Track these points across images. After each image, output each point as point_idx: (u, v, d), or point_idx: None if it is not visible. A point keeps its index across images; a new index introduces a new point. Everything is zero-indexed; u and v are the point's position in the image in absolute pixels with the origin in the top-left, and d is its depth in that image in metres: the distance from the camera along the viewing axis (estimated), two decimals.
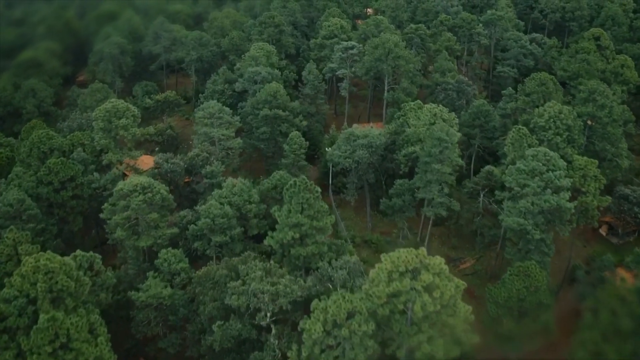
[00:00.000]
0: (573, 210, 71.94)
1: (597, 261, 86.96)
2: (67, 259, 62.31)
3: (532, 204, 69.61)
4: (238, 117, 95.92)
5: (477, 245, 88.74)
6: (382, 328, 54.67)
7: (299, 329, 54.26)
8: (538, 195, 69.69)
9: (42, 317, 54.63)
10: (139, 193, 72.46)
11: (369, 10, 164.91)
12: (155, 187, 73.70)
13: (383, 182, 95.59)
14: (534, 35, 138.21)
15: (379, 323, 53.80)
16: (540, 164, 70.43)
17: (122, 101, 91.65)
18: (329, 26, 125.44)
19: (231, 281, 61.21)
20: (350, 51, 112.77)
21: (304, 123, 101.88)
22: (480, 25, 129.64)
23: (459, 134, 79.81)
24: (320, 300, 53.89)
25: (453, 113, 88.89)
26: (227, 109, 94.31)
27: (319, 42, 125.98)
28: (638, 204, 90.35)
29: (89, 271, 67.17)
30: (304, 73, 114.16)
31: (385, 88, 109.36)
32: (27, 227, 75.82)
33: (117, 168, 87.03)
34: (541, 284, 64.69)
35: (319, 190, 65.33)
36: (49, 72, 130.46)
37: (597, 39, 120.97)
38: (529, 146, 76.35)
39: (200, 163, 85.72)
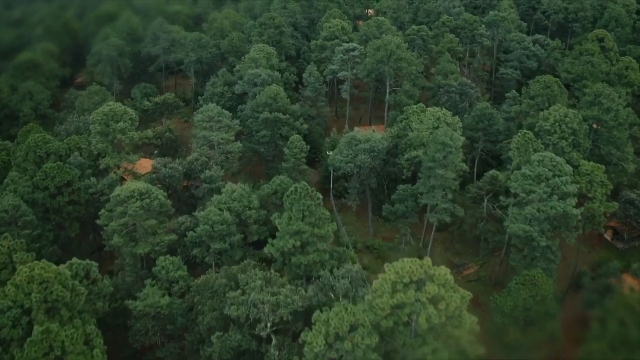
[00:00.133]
0: (579, 217, 70.55)
1: (603, 267, 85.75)
2: (62, 268, 60.87)
3: (538, 210, 68.19)
4: (237, 121, 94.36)
5: (481, 251, 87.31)
6: (385, 339, 53.25)
7: (299, 340, 52.85)
8: (544, 201, 68.28)
9: (36, 329, 53.20)
10: (137, 199, 71.03)
11: (370, 11, 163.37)
12: (153, 193, 72.23)
13: (385, 187, 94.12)
14: (537, 36, 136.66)
15: (382, 335, 52.36)
16: (547, 170, 69.02)
17: (120, 104, 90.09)
18: (329, 27, 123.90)
19: (230, 291, 59.78)
20: (352, 53, 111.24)
21: (305, 126, 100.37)
22: (483, 26, 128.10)
23: (462, 138, 78.33)
24: (321, 311, 52.46)
25: (456, 117, 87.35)
26: (226, 112, 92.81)
27: (320, 44, 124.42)
28: None
29: (85, 279, 65.79)
30: (304, 75, 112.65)
31: (387, 90, 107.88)
32: (22, 234, 74.40)
33: (114, 172, 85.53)
34: (548, 293, 63.25)
35: (320, 197, 63.88)
36: (46, 74, 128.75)
37: (600, 40, 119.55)
38: (535, 151, 74.91)
39: (199, 167, 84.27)
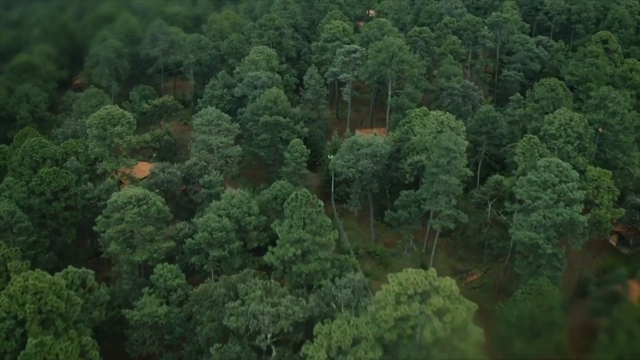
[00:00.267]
0: (586, 224, 69.08)
1: (608, 274, 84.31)
2: (57, 277, 59.52)
3: (544, 217, 66.66)
4: (237, 124, 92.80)
5: (485, 257, 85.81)
6: (389, 353, 51.70)
7: (300, 353, 51.40)
8: (550, 208, 66.75)
9: (30, 341, 51.83)
10: (134, 205, 69.57)
11: (371, 12, 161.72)
12: (150, 199, 70.77)
13: (387, 191, 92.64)
14: (540, 37, 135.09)
15: (385, 348, 50.83)
16: (553, 176, 67.49)
17: (117, 107, 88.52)
18: (330, 29, 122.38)
19: (230, 301, 58.35)
20: (353, 55, 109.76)
21: (305, 129, 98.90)
22: (486, 27, 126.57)
23: (466, 143, 76.82)
24: (323, 323, 51.00)
25: (460, 121, 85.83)
26: (225, 115, 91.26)
27: (321, 45, 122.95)
28: None
29: (81, 288, 64.44)
30: (305, 77, 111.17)
31: (389, 93, 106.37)
32: (17, 241, 73.11)
33: (111, 177, 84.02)
34: (554, 302, 61.74)
35: (322, 204, 62.38)
36: (43, 76, 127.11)
37: (604, 42, 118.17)
38: (541, 156, 73.37)
39: (198, 172, 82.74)
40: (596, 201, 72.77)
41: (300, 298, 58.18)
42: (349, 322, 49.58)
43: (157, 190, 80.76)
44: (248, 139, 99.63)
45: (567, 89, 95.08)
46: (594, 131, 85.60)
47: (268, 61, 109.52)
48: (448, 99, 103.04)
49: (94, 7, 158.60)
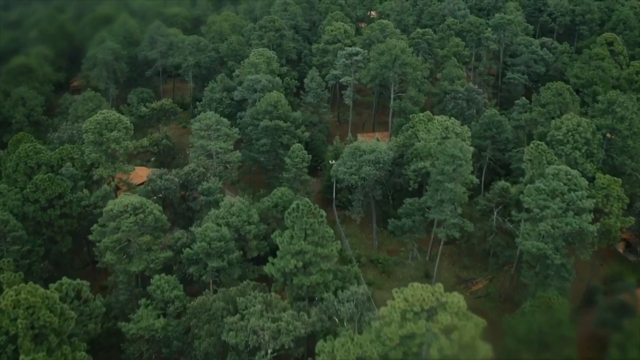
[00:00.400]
0: (595, 234, 67.16)
1: (616, 282, 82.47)
2: (51, 290, 57.88)
3: (553, 227, 64.71)
4: (237, 129, 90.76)
5: (490, 266, 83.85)
6: None
7: None
8: (559, 217, 64.79)
9: (22, 359, 50.04)
10: (130, 214, 67.59)
11: (372, 13, 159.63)
12: (147, 208, 68.78)
13: (390, 197, 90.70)
14: (544, 39, 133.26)
15: None
16: (562, 184, 65.52)
17: (114, 112, 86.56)
18: (332, 31, 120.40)
19: (229, 315, 56.43)
20: (355, 57, 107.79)
21: (307, 134, 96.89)
22: (489, 29, 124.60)
23: (472, 149, 74.81)
24: (325, 340, 49.13)
25: (465, 126, 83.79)
26: (225, 120, 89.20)
27: (322, 47, 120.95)
28: None
29: (76, 300, 62.55)
30: (306, 80, 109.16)
31: (392, 96, 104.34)
32: (11, 250, 71.16)
33: (108, 184, 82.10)
34: (564, 316, 59.76)
35: (324, 214, 60.38)
36: (40, 79, 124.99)
37: (610, 44, 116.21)
38: (549, 163, 71.39)
39: (197, 179, 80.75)
40: (605, 210, 70.86)
41: (301, 312, 56.23)
42: (352, 339, 47.75)
43: (155, 198, 78.80)
44: (248, 144, 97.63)
45: (574, 93, 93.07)
46: (601, 136, 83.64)
47: (268, 64, 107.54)
48: (452, 102, 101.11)
49: (93, 8, 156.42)
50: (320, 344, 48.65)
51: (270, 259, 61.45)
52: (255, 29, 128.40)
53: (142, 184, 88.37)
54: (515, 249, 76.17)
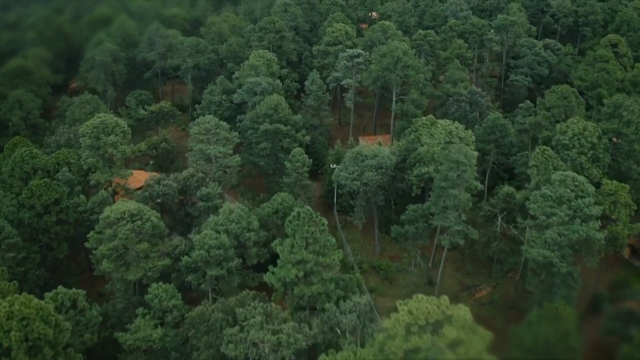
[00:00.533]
0: (603, 241, 65.74)
1: (622, 289, 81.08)
2: (46, 300, 56.62)
3: (560, 234, 63.27)
4: (236, 133, 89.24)
5: (494, 272, 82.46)
6: None
7: None
8: (566, 225, 63.36)
9: None
10: (127, 221, 66.24)
11: (373, 13, 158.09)
12: (145, 214, 67.42)
13: (392, 202, 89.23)
14: (547, 41, 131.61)
15: None
16: (569, 190, 64.09)
17: (111, 116, 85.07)
18: (333, 32, 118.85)
19: (228, 326, 54.96)
20: (356, 59, 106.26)
21: (307, 138, 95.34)
22: (492, 30, 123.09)
23: (476, 154, 73.35)
24: (327, 354, 47.70)
25: (469, 131, 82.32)
26: (224, 123, 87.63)
27: (323, 49, 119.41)
28: None
29: (72, 309, 61.21)
30: (306, 83, 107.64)
31: (394, 99, 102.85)
32: (6, 257, 69.81)
33: (105, 189, 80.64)
34: (572, 327, 58.34)
35: (326, 222, 58.83)
36: (37, 81, 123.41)
37: (614, 45, 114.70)
38: (555, 169, 69.91)
39: (195, 184, 79.27)
40: (613, 217, 69.41)
41: (302, 324, 54.75)
42: (355, 354, 46.33)
43: (152, 204, 77.35)
44: (248, 148, 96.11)
45: (579, 97, 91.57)
46: (607, 141, 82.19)
47: (268, 66, 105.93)
48: (455, 105, 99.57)
49: (92, 9, 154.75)
50: (322, 358, 47.22)
51: (270, 267, 59.95)
52: (255, 30, 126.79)
53: (140, 188, 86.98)
54: (520, 256, 74.80)
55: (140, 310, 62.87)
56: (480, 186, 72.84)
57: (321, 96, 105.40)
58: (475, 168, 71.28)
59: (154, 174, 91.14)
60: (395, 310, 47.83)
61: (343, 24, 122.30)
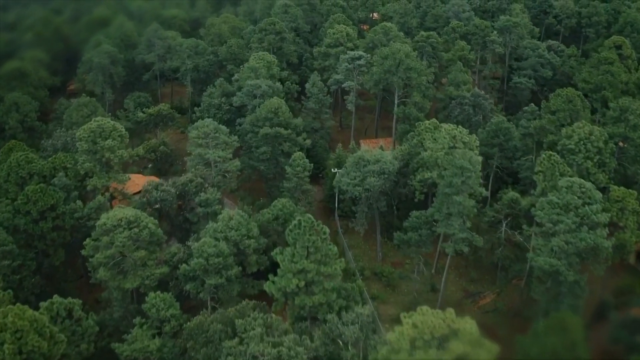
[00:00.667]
0: (610, 249, 64.31)
1: (628, 296, 79.58)
2: (39, 313, 55.10)
3: (567, 242, 61.83)
4: (236, 137, 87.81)
5: (499, 279, 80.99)
6: None
7: None
8: (573, 232, 61.93)
9: None
10: (124, 228, 64.86)
11: (375, 15, 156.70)
12: (142, 221, 66.02)
13: (394, 207, 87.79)
14: (551, 42, 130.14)
15: None
16: (576, 197, 62.66)
17: (108, 120, 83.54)
18: (333, 34, 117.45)
19: (227, 338, 53.56)
20: (357, 62, 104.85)
21: (308, 142, 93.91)
22: (495, 32, 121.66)
23: (481, 158, 71.88)
24: None
25: (474, 135, 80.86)
26: (223, 127, 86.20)
27: (323, 51, 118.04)
28: None
29: (67, 320, 59.82)
30: (307, 86, 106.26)
31: (395, 102, 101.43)
32: (1, 265, 68.39)
33: (102, 194, 79.21)
34: (579, 338, 56.82)
35: (327, 230, 57.44)
36: (34, 84, 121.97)
37: (618, 47, 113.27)
38: (561, 175, 68.47)
39: (194, 190, 77.86)
40: (620, 224, 67.98)
41: (304, 336, 53.29)
42: None
43: (150, 210, 75.94)
44: (247, 152, 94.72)
45: (585, 100, 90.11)
46: (614, 145, 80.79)
47: (268, 68, 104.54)
48: (458, 108, 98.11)
49: (90, 10, 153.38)
50: None
51: (270, 277, 58.55)
52: (255, 32, 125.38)
53: (138, 192, 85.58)
54: (525, 263, 73.35)
55: (137, 319, 61.57)
56: (485, 192, 71.36)
57: (322, 99, 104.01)
58: (480, 174, 69.68)
59: (152, 177, 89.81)
60: (398, 319, 46.49)
61: (344, 25, 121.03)
